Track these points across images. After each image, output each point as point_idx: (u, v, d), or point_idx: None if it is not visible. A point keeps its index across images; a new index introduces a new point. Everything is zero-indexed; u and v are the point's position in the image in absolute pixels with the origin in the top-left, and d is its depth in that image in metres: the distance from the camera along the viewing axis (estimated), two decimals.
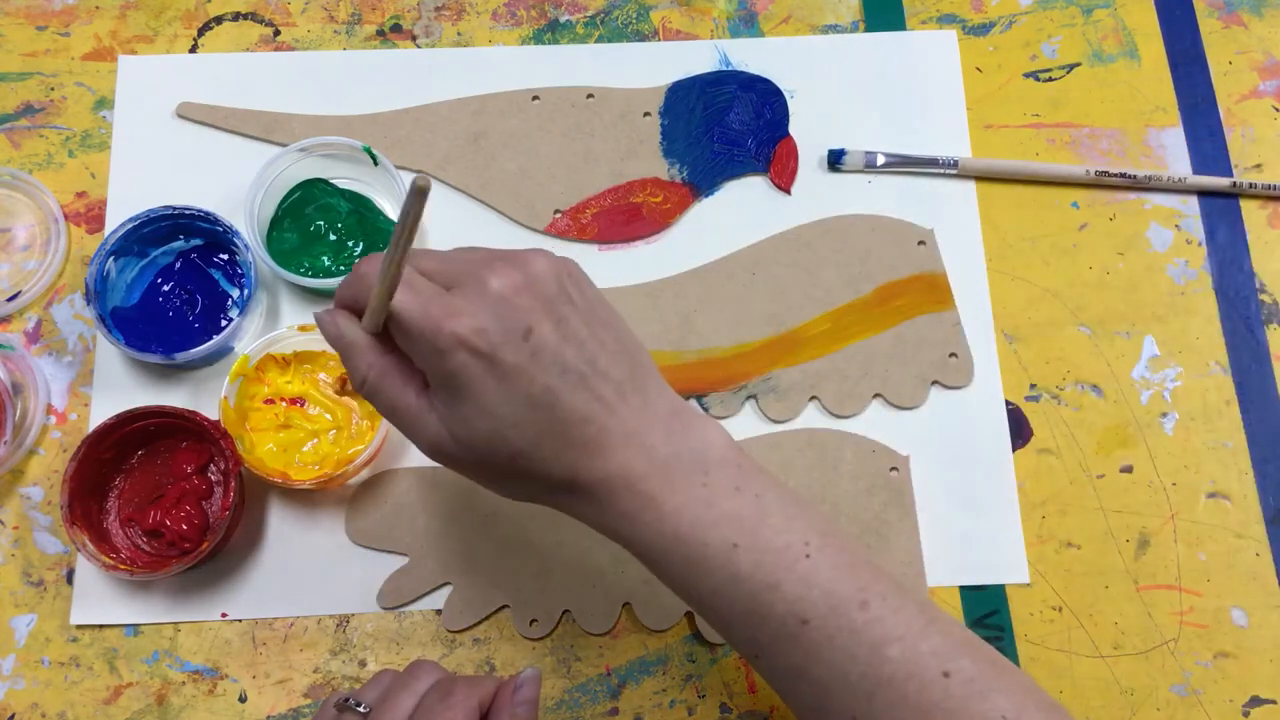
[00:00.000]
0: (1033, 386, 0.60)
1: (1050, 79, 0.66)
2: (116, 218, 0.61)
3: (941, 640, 0.38)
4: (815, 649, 0.38)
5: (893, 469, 0.58)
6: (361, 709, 0.41)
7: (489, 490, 0.42)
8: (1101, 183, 0.63)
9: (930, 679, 0.37)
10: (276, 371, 0.58)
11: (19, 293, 0.60)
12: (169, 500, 0.55)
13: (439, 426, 0.39)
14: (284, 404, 0.58)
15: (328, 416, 0.58)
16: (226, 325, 0.58)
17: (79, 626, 0.55)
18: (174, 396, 0.58)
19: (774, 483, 0.40)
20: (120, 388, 0.59)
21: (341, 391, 0.57)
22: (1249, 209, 0.63)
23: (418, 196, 0.35)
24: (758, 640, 0.39)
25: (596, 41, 0.66)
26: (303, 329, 0.57)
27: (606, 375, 0.39)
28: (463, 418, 0.38)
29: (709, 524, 0.38)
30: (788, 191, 0.63)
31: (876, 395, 0.60)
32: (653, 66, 0.65)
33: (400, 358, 0.40)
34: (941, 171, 0.63)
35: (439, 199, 0.63)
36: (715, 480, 0.39)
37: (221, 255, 0.60)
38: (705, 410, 0.59)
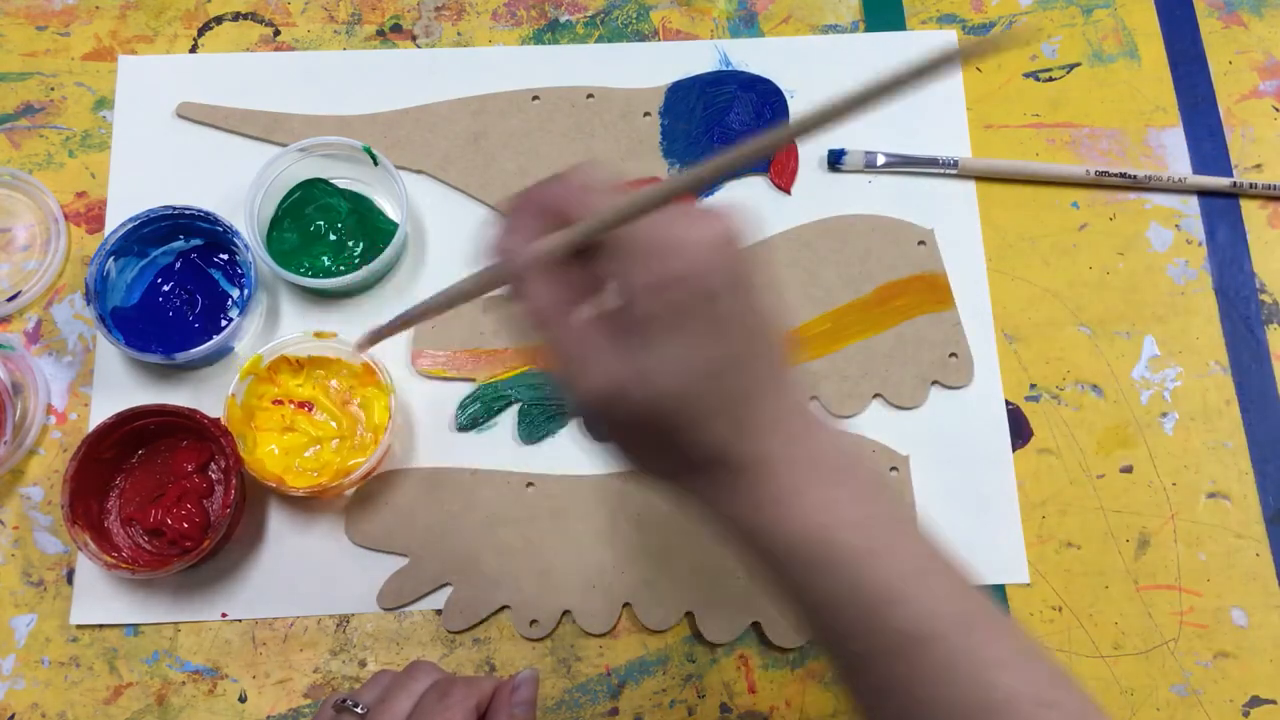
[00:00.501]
0: (1033, 386, 0.60)
1: (1050, 79, 0.66)
2: (116, 218, 0.61)
3: (1046, 673, 0.37)
4: (922, 670, 0.37)
5: (893, 469, 0.58)
6: (360, 709, 0.41)
7: (628, 462, 0.39)
8: (1101, 183, 0.63)
9: (1032, 710, 0.36)
10: (289, 374, 0.58)
11: (19, 293, 0.60)
12: (170, 499, 0.55)
13: (620, 370, 0.35)
14: (292, 406, 0.58)
15: (333, 424, 0.58)
16: (226, 325, 0.58)
17: (79, 626, 0.55)
18: (174, 396, 0.58)
19: (895, 496, 0.39)
20: (120, 388, 0.59)
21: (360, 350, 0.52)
22: (1249, 209, 0.63)
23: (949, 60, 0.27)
24: (865, 655, 0.38)
25: (596, 41, 0.66)
26: (318, 335, 0.57)
27: (769, 356, 0.37)
28: (652, 360, 0.34)
29: (840, 527, 0.37)
30: (788, 191, 0.63)
31: (876, 395, 0.60)
32: (653, 66, 0.65)
33: (571, 292, 0.35)
34: (941, 171, 0.63)
35: (439, 199, 0.63)
36: (849, 485, 0.38)
37: (221, 255, 0.60)
38: None
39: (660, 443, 0.37)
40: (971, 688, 0.36)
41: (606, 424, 0.37)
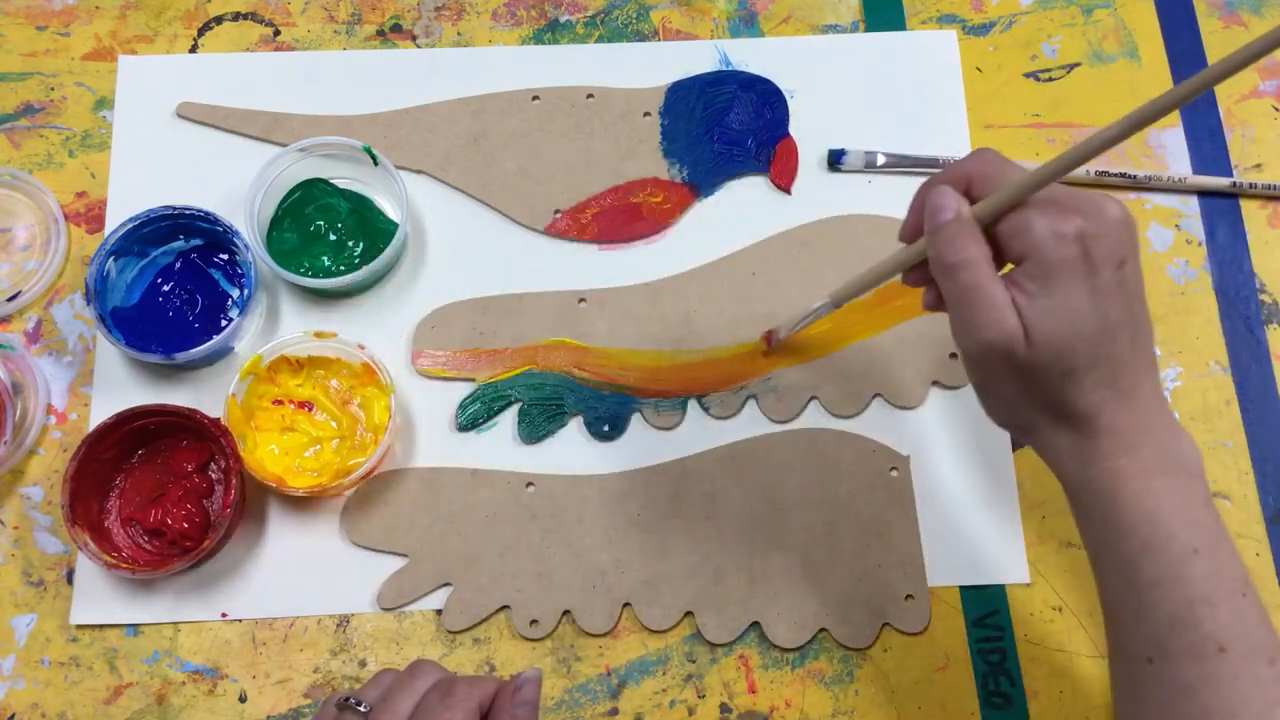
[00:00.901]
0: None
1: (1050, 79, 0.66)
2: (116, 218, 0.61)
3: None
4: (1217, 679, 0.38)
5: (893, 469, 0.58)
6: (362, 708, 0.41)
7: (990, 409, 0.43)
8: (1101, 183, 0.63)
9: None
10: (289, 374, 0.58)
11: (19, 293, 0.60)
12: (170, 499, 0.55)
13: (1016, 320, 0.39)
14: (292, 407, 0.58)
15: (333, 424, 0.58)
16: (226, 325, 0.58)
17: (79, 626, 0.55)
18: (174, 396, 0.58)
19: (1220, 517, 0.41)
20: (120, 388, 0.59)
21: (769, 351, 0.59)
22: (1249, 209, 0.63)
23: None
24: (1166, 648, 0.39)
25: (596, 41, 0.66)
26: (319, 335, 0.57)
27: (1147, 337, 0.40)
28: (1048, 311, 0.38)
29: (1184, 520, 0.39)
30: (788, 191, 0.63)
31: (876, 395, 0.60)
32: (653, 66, 0.65)
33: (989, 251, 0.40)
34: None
35: (439, 199, 0.63)
36: (1194, 486, 0.40)
37: (221, 255, 0.60)
38: (705, 410, 0.59)
39: (1034, 394, 0.40)
40: (1253, 714, 0.38)
41: (988, 371, 0.41)
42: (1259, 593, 0.40)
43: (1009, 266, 0.40)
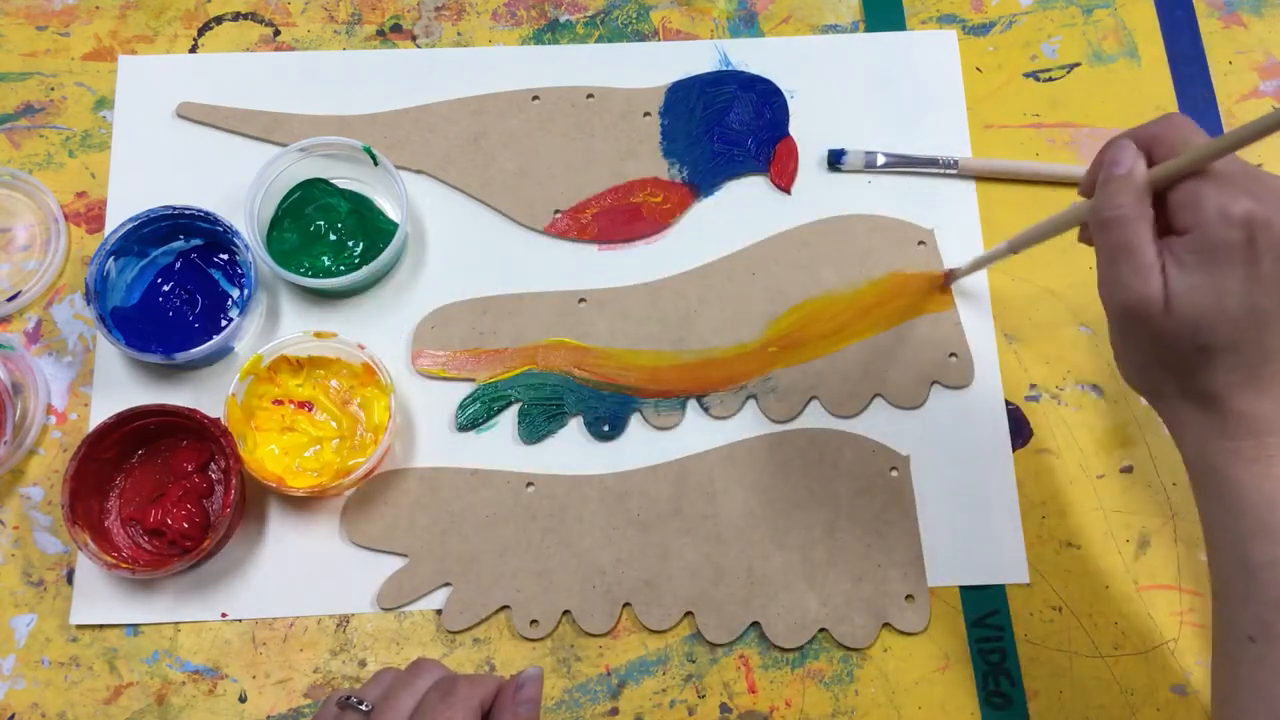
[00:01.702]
0: (1033, 386, 0.60)
1: (1050, 79, 0.66)
2: (116, 218, 0.61)
3: None
4: None
5: (893, 469, 0.58)
6: (363, 707, 0.41)
7: (1123, 367, 0.43)
8: None
9: None
10: (288, 374, 0.58)
11: (19, 293, 0.60)
12: (170, 499, 0.55)
13: (1160, 285, 0.39)
14: (292, 407, 0.58)
15: (333, 424, 0.58)
16: (226, 325, 0.58)
17: (79, 626, 0.55)
18: (174, 396, 0.58)
19: None
20: (120, 388, 0.59)
21: (946, 285, 0.60)
22: None
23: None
24: (1272, 628, 0.39)
25: (596, 41, 0.66)
26: (319, 335, 0.57)
27: None
28: (1196, 286, 0.38)
29: None
30: (788, 191, 0.63)
31: (876, 395, 0.59)
32: (653, 66, 0.65)
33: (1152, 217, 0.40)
34: (941, 171, 0.63)
35: (439, 199, 0.63)
36: None
37: (221, 255, 0.60)
38: (705, 410, 0.59)
39: (1167, 362, 0.40)
40: None
41: (1125, 331, 0.41)
42: None
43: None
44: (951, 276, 0.60)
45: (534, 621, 0.56)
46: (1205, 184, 0.39)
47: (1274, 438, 0.40)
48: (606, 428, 0.59)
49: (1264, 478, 0.40)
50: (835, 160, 0.63)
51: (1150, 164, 0.41)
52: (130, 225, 0.58)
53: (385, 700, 0.41)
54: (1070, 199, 0.63)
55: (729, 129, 0.64)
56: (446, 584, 0.56)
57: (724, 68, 0.65)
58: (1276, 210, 0.38)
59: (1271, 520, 0.39)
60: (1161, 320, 0.39)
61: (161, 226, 0.59)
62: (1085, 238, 0.46)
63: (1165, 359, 0.40)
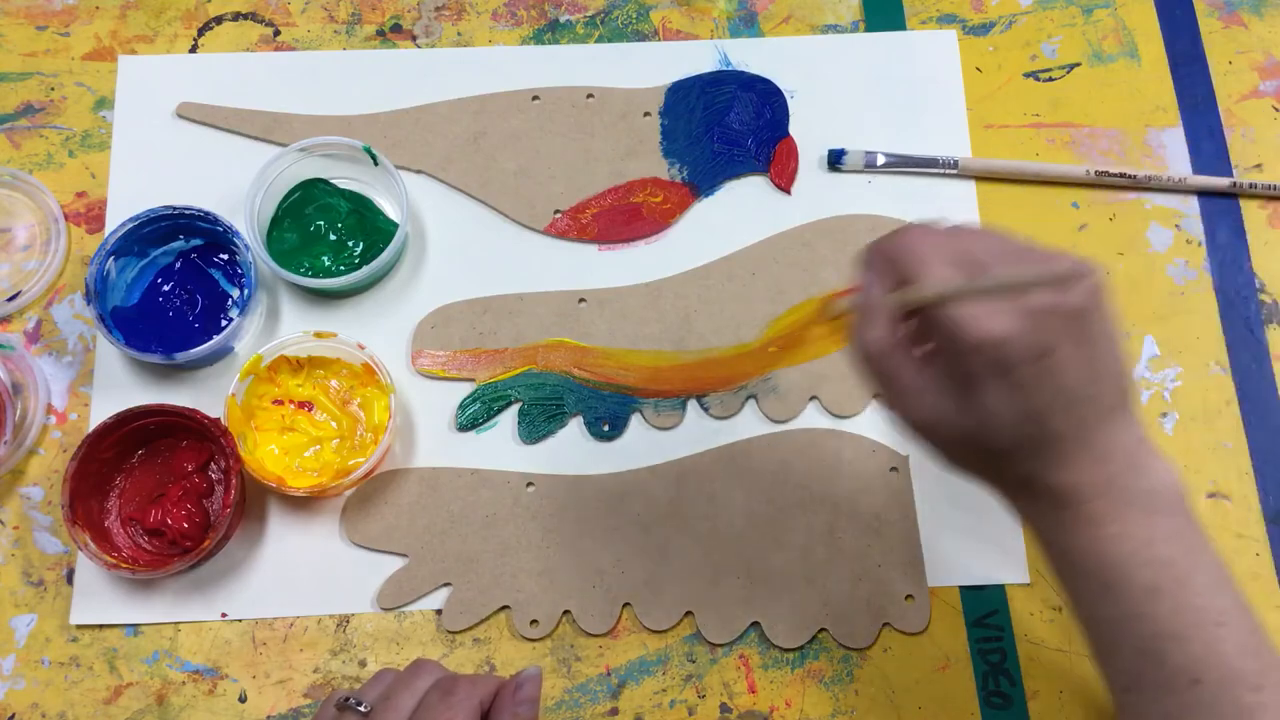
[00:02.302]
0: None
1: (1050, 79, 0.66)
2: (116, 218, 0.61)
3: None
4: (1194, 709, 0.38)
5: (893, 469, 0.58)
6: (362, 708, 0.41)
7: (940, 464, 0.42)
8: (1101, 183, 0.63)
9: None
10: (288, 373, 0.58)
11: (19, 293, 0.60)
12: (170, 499, 0.55)
13: (931, 409, 0.39)
14: (292, 407, 0.58)
15: (333, 424, 0.58)
16: (226, 325, 0.58)
17: (79, 626, 0.55)
18: (174, 396, 0.58)
19: (1208, 544, 0.41)
20: (120, 388, 0.59)
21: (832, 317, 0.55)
22: (1249, 209, 0.63)
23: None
24: (1140, 680, 0.39)
25: (596, 41, 0.66)
26: (319, 335, 0.57)
27: (1095, 400, 0.39)
28: (960, 408, 0.39)
29: (1139, 562, 0.39)
30: (788, 191, 0.63)
31: (877, 395, 0.59)
32: (653, 66, 0.65)
33: (907, 335, 0.40)
34: (941, 171, 0.63)
35: (439, 199, 0.63)
36: (1159, 523, 0.40)
37: (221, 255, 0.60)
38: (705, 410, 0.59)
39: (970, 461, 0.41)
40: None
41: (918, 441, 0.41)
42: (1250, 611, 0.40)
43: None
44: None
45: (534, 621, 0.56)
46: (944, 321, 0.38)
47: (1089, 504, 0.39)
48: (606, 428, 0.59)
49: (1093, 540, 0.39)
50: (835, 160, 0.63)
51: (899, 280, 0.39)
52: (130, 225, 0.58)
53: (385, 701, 0.41)
54: (1070, 198, 0.63)
55: (729, 129, 0.64)
56: (446, 584, 0.56)
57: (724, 68, 0.65)
58: (1008, 317, 0.37)
59: (1110, 578, 0.39)
60: (943, 434, 0.40)
61: (161, 226, 0.59)
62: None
63: (965, 460, 0.41)
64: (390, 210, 0.62)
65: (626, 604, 0.56)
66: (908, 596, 0.56)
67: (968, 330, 0.37)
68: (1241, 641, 0.39)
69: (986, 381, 0.37)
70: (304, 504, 0.57)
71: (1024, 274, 0.36)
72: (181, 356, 0.56)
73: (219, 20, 0.66)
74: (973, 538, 0.57)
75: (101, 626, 0.55)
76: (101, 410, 0.57)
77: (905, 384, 0.39)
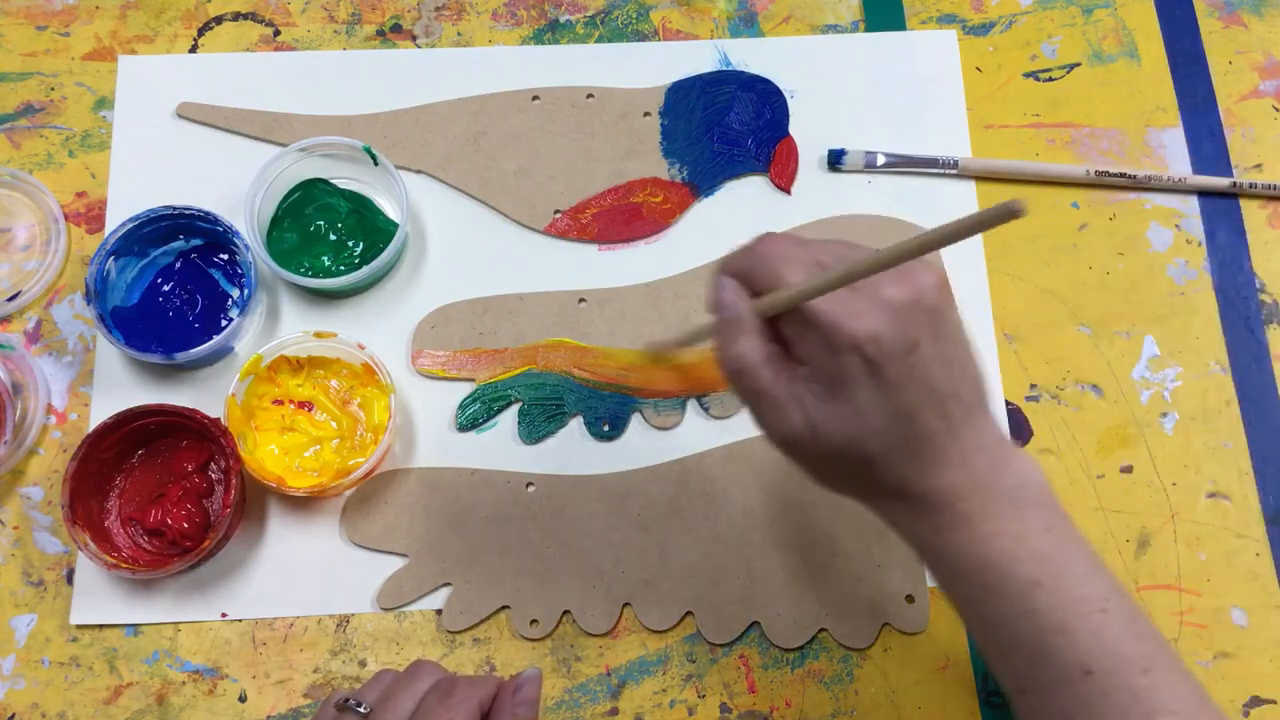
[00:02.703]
0: (1033, 386, 0.60)
1: (1050, 79, 0.66)
2: (116, 218, 0.61)
3: None
4: (1089, 701, 0.38)
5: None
6: (362, 709, 0.41)
7: (814, 482, 0.42)
8: (1101, 183, 0.63)
9: None
10: (288, 373, 0.58)
11: (19, 293, 0.60)
12: (170, 499, 0.55)
13: (801, 420, 0.39)
14: (292, 407, 0.58)
15: (333, 424, 0.58)
16: (226, 325, 0.58)
17: (79, 626, 0.55)
18: (174, 396, 0.58)
19: (1079, 534, 0.41)
20: (120, 388, 0.59)
21: (656, 360, 0.57)
22: (1249, 209, 0.63)
23: (1007, 216, 0.33)
24: (1034, 679, 0.39)
25: (596, 41, 0.66)
26: (319, 335, 0.57)
27: (959, 397, 0.39)
28: (832, 414, 0.38)
29: (1016, 557, 0.39)
30: (788, 191, 0.63)
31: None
32: (653, 66, 0.65)
33: (775, 345, 0.40)
34: (941, 171, 0.63)
35: (439, 199, 0.63)
36: (1029, 517, 0.40)
37: (221, 255, 0.60)
38: (705, 410, 0.59)
39: (844, 474, 0.41)
40: None
41: (790, 458, 0.41)
42: (1129, 597, 0.40)
43: None
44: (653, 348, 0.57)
45: (534, 621, 0.56)
46: (800, 324, 0.38)
47: (963, 503, 0.39)
48: (606, 428, 0.59)
49: (969, 541, 0.39)
50: (835, 160, 0.63)
51: (756, 292, 0.40)
52: (130, 225, 0.58)
53: (384, 702, 0.41)
54: (1070, 198, 0.64)
55: (729, 129, 0.64)
56: (446, 584, 0.56)
57: (724, 68, 0.65)
58: (872, 315, 0.37)
59: (990, 580, 0.39)
60: (814, 448, 0.39)
61: (161, 226, 0.59)
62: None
63: (838, 473, 0.41)
64: (390, 210, 0.62)
65: (626, 604, 0.56)
66: (908, 596, 0.56)
67: (842, 328, 0.37)
68: (1125, 626, 0.39)
69: (859, 382, 0.37)
70: (304, 504, 0.57)
71: (877, 258, 0.36)
72: (181, 356, 0.56)
73: (219, 20, 0.66)
74: None
75: (101, 626, 0.56)
76: (101, 410, 0.57)
77: (777, 396, 0.39)
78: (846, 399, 0.38)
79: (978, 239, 0.62)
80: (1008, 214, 0.33)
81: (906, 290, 0.38)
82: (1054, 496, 0.41)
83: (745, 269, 0.40)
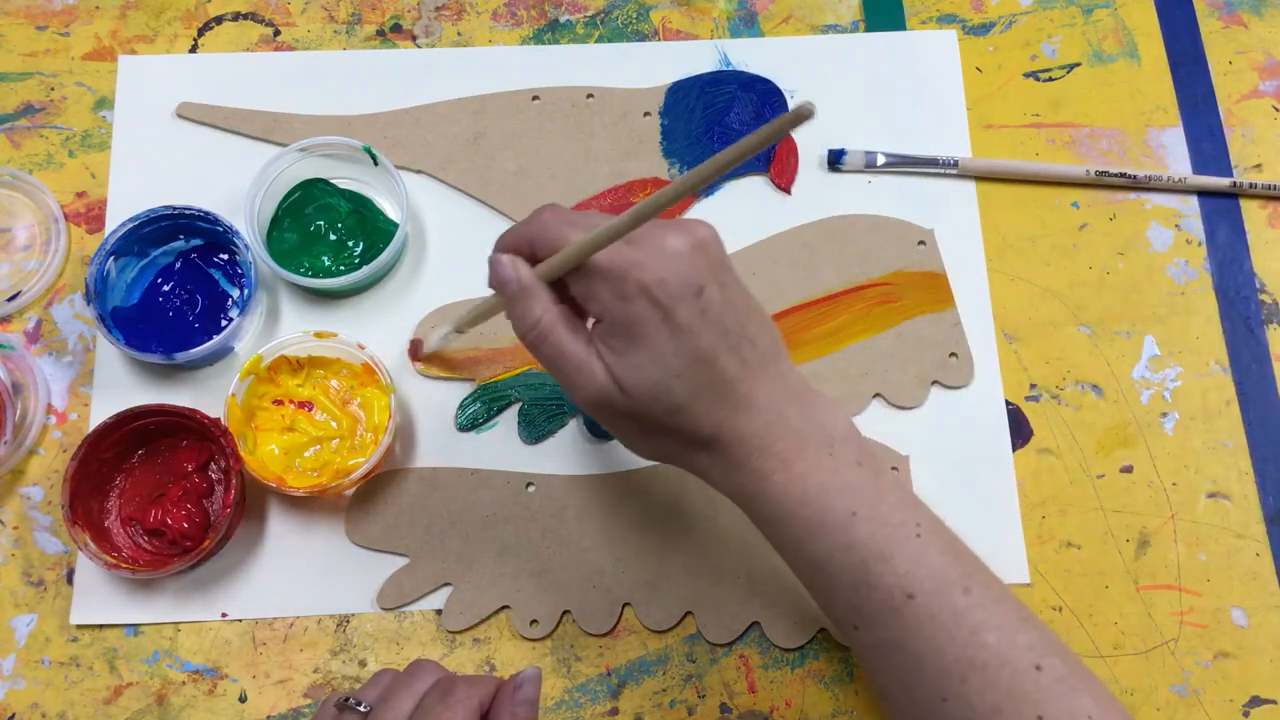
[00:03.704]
0: (1033, 386, 0.60)
1: (1050, 79, 0.66)
2: (116, 218, 0.61)
3: (1036, 636, 0.40)
4: (916, 625, 0.39)
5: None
6: (362, 709, 0.41)
7: (630, 448, 0.44)
8: (1101, 183, 0.63)
9: (1023, 669, 0.39)
10: (288, 373, 0.58)
11: (19, 293, 0.60)
12: (170, 499, 0.55)
13: (605, 375, 0.40)
14: (292, 407, 0.58)
15: (333, 424, 0.58)
16: (226, 325, 0.58)
17: (79, 626, 0.55)
18: (174, 396, 0.58)
19: (888, 468, 0.43)
20: (120, 388, 0.59)
21: (431, 360, 0.59)
22: (1249, 209, 0.63)
23: (795, 119, 0.34)
24: (862, 610, 0.41)
25: (596, 41, 0.66)
26: (319, 335, 0.57)
27: (754, 342, 0.41)
28: (634, 365, 0.39)
29: (833, 490, 0.41)
30: (788, 191, 0.63)
31: (876, 395, 0.60)
32: (653, 66, 0.65)
33: (568, 308, 0.42)
34: (941, 171, 0.63)
35: (439, 199, 0.63)
36: (840, 452, 0.42)
37: (221, 255, 0.60)
38: None
39: (654, 430, 0.41)
40: (961, 645, 0.39)
41: (603, 419, 0.42)
42: (942, 523, 0.42)
43: None
44: (418, 349, 0.59)
45: (534, 621, 0.56)
46: (585, 281, 0.40)
47: (780, 442, 0.41)
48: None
49: (787, 483, 0.41)
50: (835, 160, 0.63)
51: (534, 261, 0.42)
52: (130, 225, 0.58)
53: (384, 702, 0.41)
54: (1070, 198, 0.64)
55: (729, 129, 0.64)
56: (446, 584, 0.56)
57: (724, 68, 0.65)
58: (664, 262, 0.39)
59: (811, 516, 0.41)
60: (624, 402, 0.40)
61: (161, 226, 0.59)
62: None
63: (651, 428, 0.41)
64: (390, 210, 0.62)
65: (626, 604, 0.56)
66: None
67: (629, 275, 0.38)
68: (941, 548, 0.41)
69: (654, 326, 0.39)
70: (304, 504, 0.57)
71: (656, 198, 0.38)
72: (181, 356, 0.56)
73: (219, 20, 0.66)
74: (973, 538, 0.57)
75: (101, 626, 0.56)
76: (101, 410, 0.57)
77: (578, 354, 0.40)
78: (645, 346, 0.39)
79: (978, 240, 0.62)
80: (795, 118, 0.34)
81: (686, 239, 0.39)
82: (860, 434, 0.43)
83: (525, 240, 0.42)
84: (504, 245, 0.43)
